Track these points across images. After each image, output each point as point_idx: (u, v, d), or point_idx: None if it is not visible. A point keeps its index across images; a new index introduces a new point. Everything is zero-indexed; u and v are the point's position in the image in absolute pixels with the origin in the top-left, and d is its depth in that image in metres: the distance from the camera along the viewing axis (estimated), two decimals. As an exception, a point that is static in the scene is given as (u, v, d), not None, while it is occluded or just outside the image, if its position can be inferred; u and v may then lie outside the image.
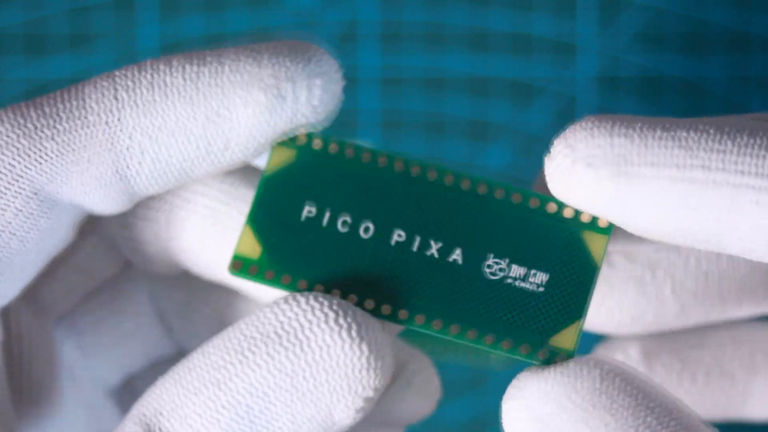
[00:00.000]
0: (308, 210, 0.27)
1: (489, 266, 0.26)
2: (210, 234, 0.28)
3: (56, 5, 0.53)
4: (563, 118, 0.53)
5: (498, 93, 0.53)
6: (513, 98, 0.53)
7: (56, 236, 0.27)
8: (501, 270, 0.26)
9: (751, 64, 0.52)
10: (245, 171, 0.29)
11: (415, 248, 0.26)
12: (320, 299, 0.25)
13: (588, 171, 0.24)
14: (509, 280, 0.26)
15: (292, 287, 0.26)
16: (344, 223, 0.27)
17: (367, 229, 0.27)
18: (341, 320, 0.25)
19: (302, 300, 0.25)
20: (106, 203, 0.27)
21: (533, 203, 0.26)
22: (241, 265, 0.27)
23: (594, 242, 0.26)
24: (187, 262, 0.29)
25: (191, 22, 0.53)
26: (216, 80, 0.26)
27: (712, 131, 0.24)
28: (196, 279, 0.31)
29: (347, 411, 0.25)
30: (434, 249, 0.26)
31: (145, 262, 0.29)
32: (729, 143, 0.24)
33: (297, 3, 0.53)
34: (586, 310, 0.26)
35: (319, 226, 0.27)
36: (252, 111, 0.26)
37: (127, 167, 0.26)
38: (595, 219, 0.26)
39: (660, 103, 0.53)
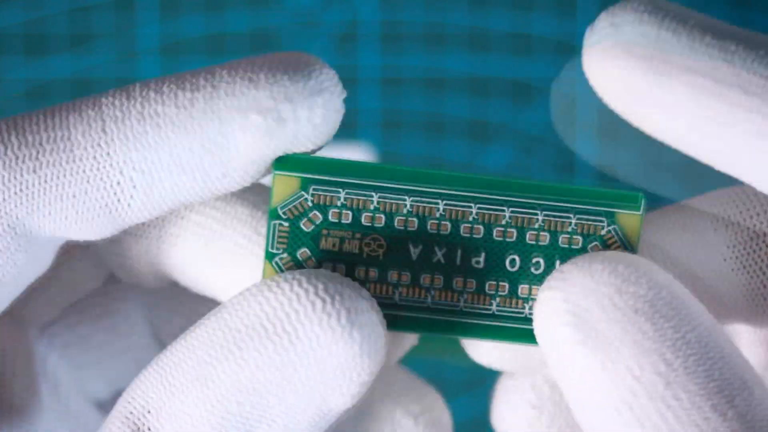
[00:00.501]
0: (326, 235, 0.26)
1: (518, 267, 0.26)
2: (203, 253, 0.27)
3: (56, 5, 0.53)
4: (563, 118, 0.53)
5: (498, 93, 0.53)
6: (513, 98, 0.53)
7: (34, 267, 0.26)
8: (537, 267, 0.26)
9: (751, 64, 0.52)
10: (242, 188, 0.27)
11: (440, 259, 0.26)
12: (305, 285, 0.24)
13: (624, 56, 0.24)
14: (543, 277, 0.26)
15: None
16: (367, 243, 0.26)
17: (385, 247, 0.26)
18: (329, 308, 0.24)
19: (287, 287, 0.24)
20: (90, 233, 0.26)
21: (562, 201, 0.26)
22: None
23: (629, 224, 0.25)
24: (176, 276, 0.28)
25: (191, 22, 0.53)
26: (211, 107, 0.24)
27: (762, 52, 0.23)
28: (192, 296, 0.30)
29: (342, 398, 0.24)
30: (458, 257, 0.26)
31: (130, 276, 0.28)
32: None
33: (297, 3, 0.52)
34: None
35: (339, 250, 0.26)
36: (251, 136, 0.25)
37: (118, 201, 0.25)
38: (625, 198, 0.25)
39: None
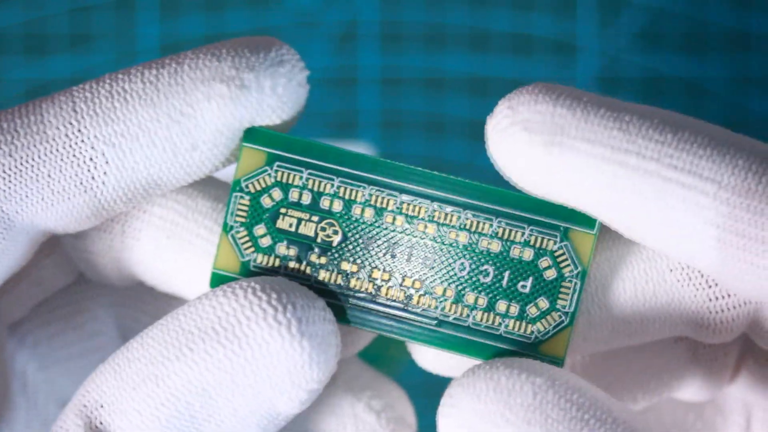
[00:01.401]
0: (284, 214, 0.26)
1: (470, 273, 0.26)
2: (165, 246, 0.28)
3: (56, 5, 0.53)
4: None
5: (498, 93, 0.53)
6: (513, 98, 0.53)
7: (11, 256, 0.26)
8: (485, 276, 0.26)
9: (751, 64, 0.52)
10: (204, 183, 0.28)
11: (391, 254, 0.26)
12: (259, 293, 0.24)
13: (523, 135, 0.24)
14: (495, 288, 0.26)
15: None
16: (323, 228, 0.26)
17: (346, 237, 0.26)
18: (280, 317, 0.24)
19: (241, 294, 0.24)
20: (69, 219, 0.26)
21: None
22: (221, 281, 0.26)
23: (581, 243, 0.26)
24: (140, 273, 0.28)
25: (191, 22, 0.53)
26: (176, 79, 0.25)
27: (656, 120, 0.24)
28: (159, 296, 0.30)
29: (291, 403, 0.25)
30: (411, 255, 0.26)
31: (96, 272, 0.29)
32: (669, 136, 0.24)
33: (297, 3, 0.53)
34: (576, 315, 0.26)
35: (295, 231, 0.26)
36: (216, 105, 0.25)
37: (92, 179, 0.26)
38: (581, 217, 0.26)
39: (660, 103, 0.53)
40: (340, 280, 0.26)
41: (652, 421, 0.30)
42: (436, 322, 0.26)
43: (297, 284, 0.25)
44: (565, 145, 0.24)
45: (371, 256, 0.26)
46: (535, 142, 0.24)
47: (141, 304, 0.30)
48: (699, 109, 0.52)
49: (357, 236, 0.26)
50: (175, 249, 0.27)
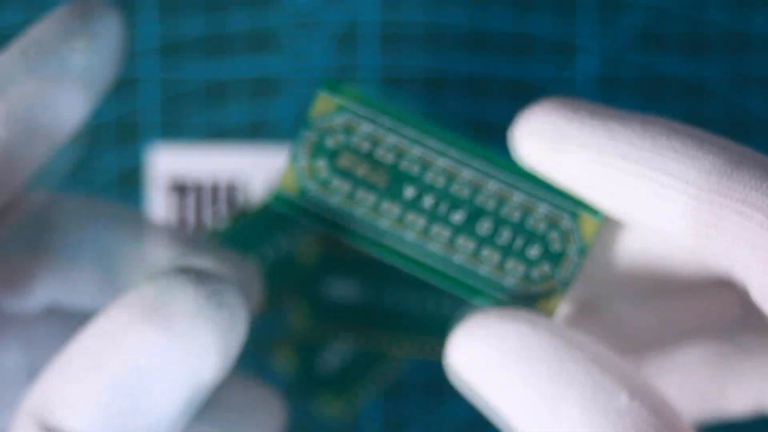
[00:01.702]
0: (343, 155, 0.30)
1: (486, 232, 0.31)
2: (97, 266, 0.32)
3: (56, 5, 0.53)
4: (563, 118, 0.53)
5: (498, 93, 0.53)
6: (513, 98, 0.53)
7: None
8: (501, 237, 0.30)
9: (751, 64, 0.52)
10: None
11: (427, 206, 0.30)
12: (180, 275, 0.28)
13: (531, 139, 0.30)
14: (508, 249, 0.31)
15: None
16: (374, 171, 0.31)
17: (395, 191, 0.31)
18: (202, 291, 0.28)
19: (163, 280, 0.28)
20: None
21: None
22: (282, 202, 0.30)
23: (587, 226, 0.30)
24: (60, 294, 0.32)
25: (191, 22, 0.53)
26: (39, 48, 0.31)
27: (638, 128, 0.29)
28: (70, 331, 0.31)
29: (213, 372, 0.28)
30: (442, 209, 0.31)
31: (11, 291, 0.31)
32: (648, 141, 0.29)
33: (297, 3, 0.53)
34: (570, 286, 0.30)
35: (349, 171, 0.30)
36: (80, 55, 0.31)
37: None
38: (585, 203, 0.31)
39: (660, 103, 0.53)
40: (379, 219, 0.30)
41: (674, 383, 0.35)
42: (455, 267, 0.30)
43: (211, 270, 0.29)
44: (563, 149, 0.29)
45: (410, 204, 0.30)
46: (541, 148, 0.30)
47: (51, 340, 0.32)
48: (699, 109, 0.52)
49: (403, 185, 0.31)
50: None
